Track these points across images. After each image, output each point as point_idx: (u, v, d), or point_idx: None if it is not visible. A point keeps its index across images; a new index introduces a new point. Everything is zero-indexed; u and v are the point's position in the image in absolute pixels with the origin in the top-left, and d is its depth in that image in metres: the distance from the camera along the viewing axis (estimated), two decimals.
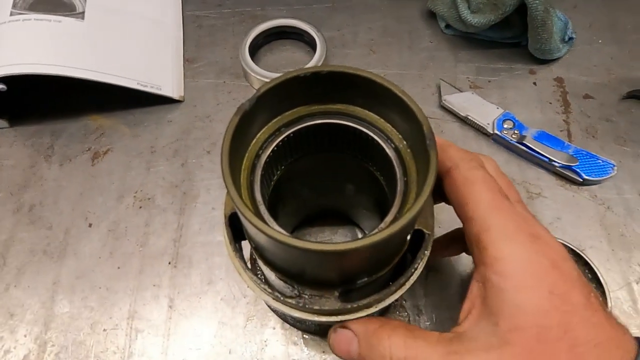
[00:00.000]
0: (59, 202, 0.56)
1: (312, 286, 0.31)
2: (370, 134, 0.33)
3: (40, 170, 0.58)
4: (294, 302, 0.31)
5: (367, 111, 0.33)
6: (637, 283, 0.49)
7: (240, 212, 0.26)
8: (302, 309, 0.31)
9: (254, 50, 0.65)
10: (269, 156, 0.33)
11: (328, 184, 0.43)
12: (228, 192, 0.27)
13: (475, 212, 0.28)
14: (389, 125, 0.32)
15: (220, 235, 0.53)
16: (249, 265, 0.33)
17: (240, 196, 0.30)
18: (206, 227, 0.54)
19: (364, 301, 0.30)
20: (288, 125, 0.33)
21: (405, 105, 0.29)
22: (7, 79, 0.54)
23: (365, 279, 0.31)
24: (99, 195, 0.56)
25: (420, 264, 0.32)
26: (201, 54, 0.67)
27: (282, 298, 0.31)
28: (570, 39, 0.64)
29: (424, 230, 0.31)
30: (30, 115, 0.62)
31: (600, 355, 0.25)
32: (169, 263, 0.52)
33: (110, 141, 0.60)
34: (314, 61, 0.62)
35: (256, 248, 0.32)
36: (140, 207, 0.55)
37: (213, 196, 0.55)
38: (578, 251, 0.49)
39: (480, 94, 0.61)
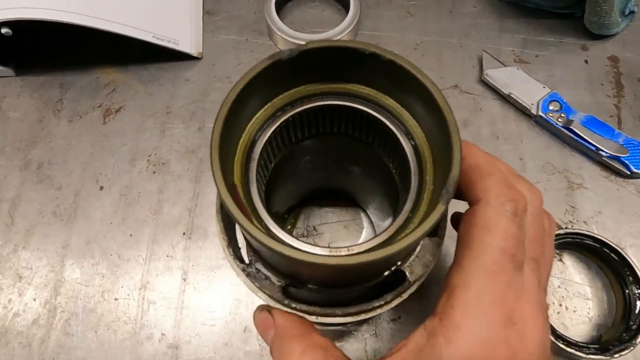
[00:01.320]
0: (69, 162, 0.53)
1: (264, 264, 0.29)
2: (388, 123, 0.28)
3: (48, 126, 0.55)
4: (241, 267, 0.29)
5: (391, 99, 0.29)
6: None
7: (217, 188, 0.23)
8: (247, 276, 0.29)
9: (281, 5, 0.60)
10: (274, 131, 0.29)
11: (337, 167, 0.40)
12: (210, 157, 0.24)
13: (468, 264, 0.25)
14: (412, 118, 0.28)
15: None
16: None
17: (230, 171, 0.27)
18: None
19: (304, 307, 0.28)
20: (300, 100, 0.29)
21: (437, 107, 0.25)
22: (13, 24, 0.49)
23: (316, 287, 0.28)
24: (110, 156, 0.53)
25: (379, 309, 0.28)
26: (222, 5, 0.61)
27: (233, 258, 0.29)
28: (631, 12, 0.58)
29: (406, 274, 0.28)
30: (37, 64, 0.57)
31: None
32: (184, 234, 0.49)
33: (123, 98, 0.56)
34: (347, 22, 0.57)
35: None
36: (154, 172, 0.52)
37: None
38: (618, 249, 0.45)
39: (525, 69, 0.55)
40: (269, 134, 0.29)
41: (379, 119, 0.29)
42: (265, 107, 0.29)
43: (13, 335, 0.45)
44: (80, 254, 0.49)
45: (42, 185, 0.52)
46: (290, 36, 0.56)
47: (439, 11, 0.60)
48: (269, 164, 0.32)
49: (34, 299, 0.47)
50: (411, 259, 0.28)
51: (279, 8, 0.59)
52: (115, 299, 0.47)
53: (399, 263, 0.28)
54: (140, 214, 0.50)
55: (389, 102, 0.29)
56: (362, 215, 0.50)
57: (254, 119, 0.29)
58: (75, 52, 0.58)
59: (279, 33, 0.57)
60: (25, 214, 0.50)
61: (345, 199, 0.50)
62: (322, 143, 0.34)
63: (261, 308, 0.30)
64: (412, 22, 0.60)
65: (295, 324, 0.28)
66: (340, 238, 0.49)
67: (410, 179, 0.28)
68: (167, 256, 0.48)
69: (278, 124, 0.29)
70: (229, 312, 0.46)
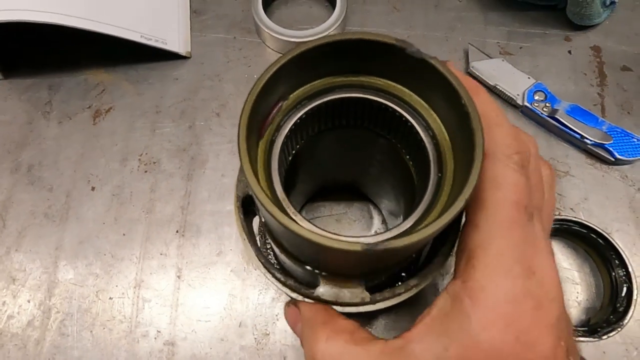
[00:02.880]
0: (59, 163, 0.53)
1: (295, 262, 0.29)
2: (409, 117, 0.29)
3: (38, 128, 0.55)
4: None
5: (412, 94, 0.29)
6: None
7: (254, 193, 0.24)
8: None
9: (268, 2, 0.60)
10: (295, 124, 0.29)
11: (353, 161, 0.40)
12: (241, 162, 0.24)
13: (484, 223, 0.25)
14: (433, 113, 0.29)
15: (231, 204, 0.50)
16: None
17: (255, 169, 0.27)
18: (215, 194, 0.51)
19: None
20: (318, 94, 0.30)
21: (458, 99, 0.25)
22: None
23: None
24: (101, 156, 0.53)
25: (407, 292, 0.29)
26: (209, 5, 0.61)
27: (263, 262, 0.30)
28: (612, 3, 0.59)
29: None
30: (25, 67, 0.57)
31: None
32: (177, 231, 0.49)
33: (112, 98, 0.56)
34: (333, 18, 0.57)
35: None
36: (146, 171, 0.52)
37: (223, 162, 0.52)
38: (605, 234, 0.46)
39: (510, 61, 0.56)
40: (292, 122, 0.29)
41: (400, 113, 0.29)
42: (290, 96, 0.29)
43: (8, 338, 0.45)
44: (74, 254, 0.49)
45: (33, 187, 0.52)
46: (278, 33, 0.57)
47: (425, 6, 0.61)
48: (290, 152, 0.32)
49: (28, 301, 0.47)
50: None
51: (267, 6, 0.59)
52: (110, 298, 0.47)
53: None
54: (133, 213, 0.50)
55: (411, 96, 0.29)
56: (356, 207, 0.51)
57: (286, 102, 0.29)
58: (63, 54, 0.58)
59: (267, 30, 0.57)
60: (17, 216, 0.50)
61: (342, 193, 0.51)
62: (342, 135, 0.34)
63: (288, 303, 0.31)
64: (398, 17, 0.61)
65: (320, 312, 0.28)
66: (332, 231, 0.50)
67: (430, 172, 0.28)
68: (161, 254, 0.49)
69: (302, 112, 0.29)
70: (223, 308, 0.46)
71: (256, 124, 0.27)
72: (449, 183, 0.28)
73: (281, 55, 0.26)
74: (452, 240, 0.29)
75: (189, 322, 0.46)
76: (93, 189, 0.51)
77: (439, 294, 0.26)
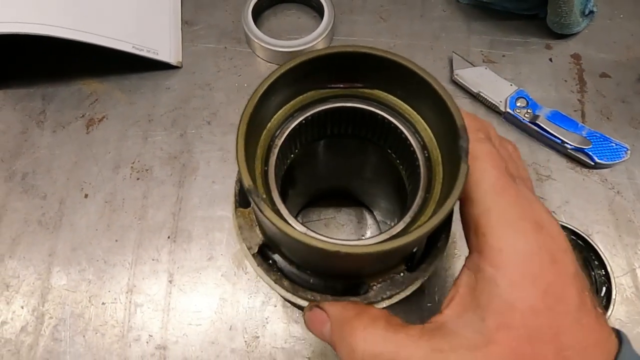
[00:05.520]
0: (53, 171, 0.54)
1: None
2: (400, 126, 0.30)
3: (32, 137, 0.56)
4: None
5: (402, 102, 0.31)
6: None
7: (252, 199, 0.25)
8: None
9: (258, 13, 0.61)
10: (292, 131, 0.31)
11: (347, 167, 0.42)
12: (237, 160, 0.25)
13: (477, 193, 0.26)
14: (422, 121, 0.30)
15: (221, 210, 0.51)
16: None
17: (252, 170, 0.28)
18: (206, 201, 0.52)
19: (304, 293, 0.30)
20: (313, 104, 0.31)
21: (446, 107, 0.26)
22: None
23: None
24: (94, 164, 0.54)
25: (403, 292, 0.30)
26: (201, 16, 0.63)
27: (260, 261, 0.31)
28: (591, 12, 0.61)
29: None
30: (19, 77, 0.58)
31: (585, 359, 0.24)
32: (168, 237, 0.50)
33: (105, 108, 0.57)
34: (322, 28, 0.59)
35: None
36: (138, 179, 0.53)
37: (213, 169, 0.54)
38: (585, 236, 0.48)
39: (493, 68, 0.58)
40: (287, 132, 0.30)
41: (392, 122, 0.31)
42: (285, 106, 0.30)
43: (1, 344, 0.46)
44: (67, 261, 0.49)
45: (27, 195, 0.52)
46: (268, 43, 0.58)
47: (410, 16, 0.63)
48: (286, 161, 0.33)
49: (22, 307, 0.48)
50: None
51: (256, 16, 0.61)
52: (103, 304, 0.48)
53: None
54: (125, 220, 0.51)
55: (402, 105, 0.30)
56: (344, 212, 0.52)
57: (273, 118, 0.30)
58: (56, 64, 0.59)
59: (256, 41, 0.58)
60: (10, 224, 0.51)
61: (331, 198, 0.52)
62: (337, 143, 0.35)
63: (310, 307, 0.30)
64: (384, 27, 0.62)
65: (349, 306, 0.28)
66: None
67: (420, 178, 0.29)
68: (153, 260, 0.49)
69: (297, 122, 0.31)
70: (214, 312, 0.47)
71: (254, 132, 0.29)
72: (437, 189, 0.29)
73: (278, 65, 0.27)
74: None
75: (181, 326, 0.47)
76: (86, 196, 0.52)
77: (461, 272, 0.27)
